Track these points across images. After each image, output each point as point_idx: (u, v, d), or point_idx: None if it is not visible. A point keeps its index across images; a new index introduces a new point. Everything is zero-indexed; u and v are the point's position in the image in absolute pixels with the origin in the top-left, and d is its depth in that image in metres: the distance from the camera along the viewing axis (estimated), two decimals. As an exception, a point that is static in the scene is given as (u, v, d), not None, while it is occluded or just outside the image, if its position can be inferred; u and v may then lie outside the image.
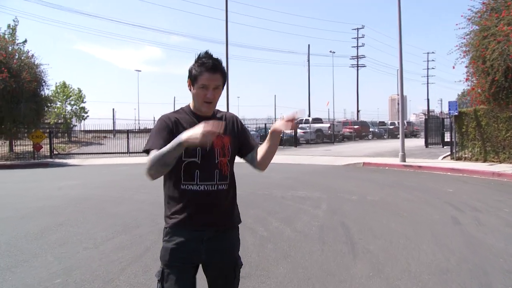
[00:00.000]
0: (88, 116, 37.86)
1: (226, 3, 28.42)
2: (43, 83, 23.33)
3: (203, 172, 2.24)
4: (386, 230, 6.45)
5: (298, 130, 32.09)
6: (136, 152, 24.92)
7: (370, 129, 47.89)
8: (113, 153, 26.56)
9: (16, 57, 22.53)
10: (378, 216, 7.47)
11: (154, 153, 2.08)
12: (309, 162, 18.77)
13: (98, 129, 36.30)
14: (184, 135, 1.98)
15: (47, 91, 23.94)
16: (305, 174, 14.14)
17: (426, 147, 26.20)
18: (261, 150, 2.43)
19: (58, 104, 35.49)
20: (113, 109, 51.85)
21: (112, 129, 43.34)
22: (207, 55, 2.28)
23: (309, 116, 44.15)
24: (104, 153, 26.36)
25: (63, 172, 17.52)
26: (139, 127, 51.47)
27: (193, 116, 2.32)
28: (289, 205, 8.57)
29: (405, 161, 16.89)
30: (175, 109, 2.45)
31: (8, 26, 26.43)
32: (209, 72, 2.23)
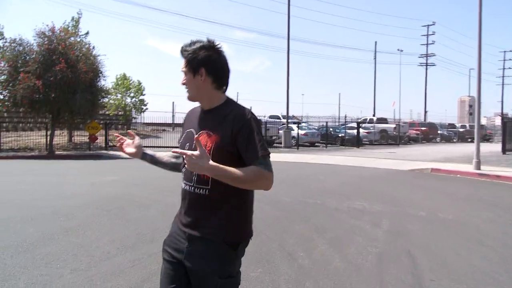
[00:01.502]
0: (147, 108, 37.74)
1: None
2: (100, 74, 23.01)
3: (185, 171, 2.17)
4: (466, 268, 4.86)
5: (361, 130, 30.08)
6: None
7: (439, 132, 44.57)
8: (169, 146, 25.88)
9: (77, 48, 22.39)
10: (453, 243, 5.86)
11: None
12: (371, 165, 17.02)
13: (158, 122, 36.17)
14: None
15: (103, 82, 23.52)
16: (365, 180, 12.50)
17: (503, 153, 23.29)
18: None
19: (118, 96, 35.58)
20: (173, 103, 51.99)
21: (171, 122, 43.26)
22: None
23: (373, 115, 41.88)
24: (159, 146, 25.72)
25: (110, 165, 16.93)
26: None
27: (200, 108, 2.27)
28: (343, 220, 7.11)
29: (479, 169, 14.71)
30: None
31: (72, 18, 26.55)
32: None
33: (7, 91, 21.20)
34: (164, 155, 2.48)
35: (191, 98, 2.22)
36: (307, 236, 6.01)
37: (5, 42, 22.80)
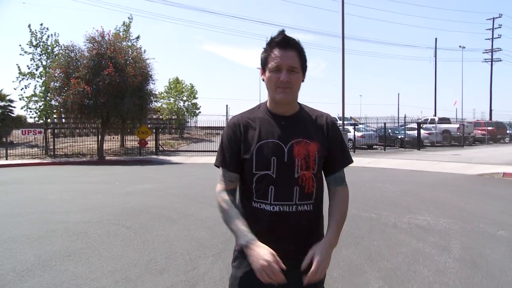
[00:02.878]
0: (200, 112, 37.29)
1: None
2: (149, 78, 22.63)
3: (279, 189, 1.87)
4: None
5: (422, 131, 27.98)
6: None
7: (508, 132, 40.96)
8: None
9: (129, 52, 22.16)
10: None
11: (223, 200, 1.94)
12: (433, 169, 15.34)
13: (212, 125, 35.68)
14: (246, 244, 1.79)
15: (152, 86, 23.12)
16: (428, 187, 10.99)
17: None
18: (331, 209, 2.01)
19: (171, 100, 35.39)
20: (227, 106, 51.42)
21: (225, 125, 42.70)
22: (279, 32, 1.94)
23: (434, 115, 39.37)
24: (210, 151, 25.04)
25: (155, 171, 16.28)
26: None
27: (268, 113, 1.99)
28: (403, 241, 5.84)
29: None
30: (259, 106, 2.08)
31: (123, 23, 26.43)
32: (280, 48, 1.89)
33: (59, 97, 21.25)
34: (244, 229, 1.87)
35: (289, 101, 1.97)
36: (357, 266, 4.83)
37: (60, 49, 22.98)
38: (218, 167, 2.00)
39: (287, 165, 1.87)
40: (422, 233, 6.22)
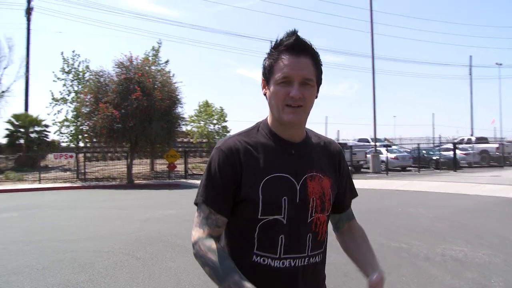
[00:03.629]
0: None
1: (371, 12, 25.29)
2: (177, 101, 22.64)
3: (290, 238, 1.47)
4: None
5: (458, 152, 26.85)
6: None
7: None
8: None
9: (158, 77, 22.30)
10: None
11: (210, 250, 1.42)
12: (471, 191, 14.46)
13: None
14: None
15: (180, 110, 23.12)
16: (465, 212, 10.25)
17: None
18: (354, 247, 1.68)
19: (202, 123, 35.44)
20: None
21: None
22: (290, 32, 1.49)
23: (471, 135, 37.98)
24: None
25: (180, 195, 16.04)
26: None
27: (272, 138, 1.55)
28: (435, 278, 5.24)
29: None
30: (257, 126, 1.62)
31: (152, 48, 26.77)
32: (290, 54, 1.45)
33: (89, 122, 21.49)
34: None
35: (301, 123, 1.55)
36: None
37: (90, 75, 23.37)
38: (198, 205, 1.52)
39: (299, 207, 1.48)
40: (458, 267, 5.61)
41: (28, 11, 34.30)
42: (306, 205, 1.48)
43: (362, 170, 25.78)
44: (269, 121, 1.58)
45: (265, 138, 1.55)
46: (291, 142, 1.55)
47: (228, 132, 36.98)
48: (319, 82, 1.52)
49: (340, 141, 31.95)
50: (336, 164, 1.65)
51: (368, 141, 30.65)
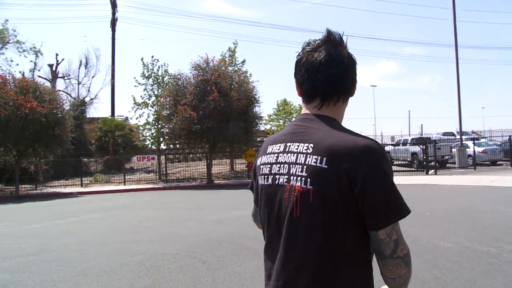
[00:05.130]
0: (309, 133, 36.73)
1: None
2: (254, 101, 22.63)
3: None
4: None
5: None
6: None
7: None
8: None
9: (234, 77, 22.46)
10: None
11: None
12: None
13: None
14: None
15: (257, 109, 23.11)
16: None
17: None
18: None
19: (281, 122, 35.30)
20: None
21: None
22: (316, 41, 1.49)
23: None
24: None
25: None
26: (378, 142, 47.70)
27: None
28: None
29: None
30: None
31: (229, 49, 27.02)
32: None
33: (169, 124, 22.08)
34: None
35: None
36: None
37: (169, 78, 24.01)
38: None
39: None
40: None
41: (113, 22, 36.11)
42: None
43: (448, 165, 24.27)
44: None
45: None
46: None
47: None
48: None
49: (424, 135, 30.39)
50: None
51: (453, 135, 28.79)
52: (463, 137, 25.16)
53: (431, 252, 6.07)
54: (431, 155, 21.91)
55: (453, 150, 24.54)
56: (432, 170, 20.94)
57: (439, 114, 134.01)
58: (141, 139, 27.14)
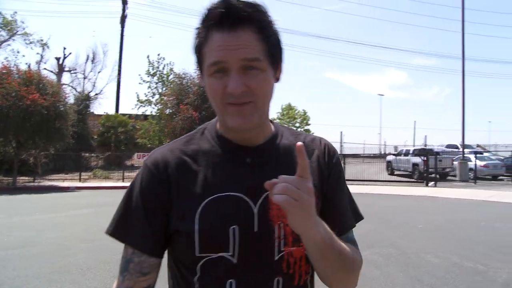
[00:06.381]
0: (313, 138, 36.81)
1: (462, 10, 23.57)
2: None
3: (247, 284, 1.04)
4: None
5: None
6: (358, 180, 21.82)
7: None
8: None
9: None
10: None
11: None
12: None
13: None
14: None
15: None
16: None
17: None
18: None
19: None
20: (341, 132, 50.11)
21: (339, 153, 41.69)
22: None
23: None
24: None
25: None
26: (380, 151, 46.93)
27: (220, 142, 1.12)
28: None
29: None
30: (202, 129, 1.20)
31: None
32: (221, 29, 0.99)
33: (171, 122, 22.07)
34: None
35: (253, 125, 1.05)
36: None
37: (174, 77, 24.02)
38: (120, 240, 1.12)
39: (259, 239, 1.05)
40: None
41: (123, 19, 36.23)
42: (269, 235, 1.05)
43: (449, 178, 24.07)
44: (217, 121, 1.16)
45: (210, 143, 1.13)
46: (246, 146, 1.10)
47: (311, 135, 36.56)
48: (275, 59, 1.06)
49: (426, 147, 30.17)
50: (322, 170, 1.16)
51: (457, 147, 28.62)
52: (466, 150, 24.94)
53: (418, 266, 5.94)
54: (432, 167, 21.71)
55: (454, 163, 24.34)
56: (432, 182, 20.74)
57: (445, 126, 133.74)
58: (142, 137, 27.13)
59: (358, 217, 1.22)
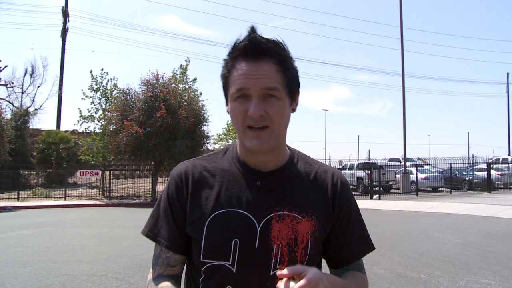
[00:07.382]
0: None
1: (401, 29, 24.71)
2: (202, 120, 22.46)
3: None
4: None
5: (493, 172, 25.44)
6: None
7: None
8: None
9: (184, 95, 22.21)
10: None
11: (151, 285, 1.22)
12: (504, 215, 13.51)
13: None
14: None
15: (206, 128, 22.96)
16: (496, 238, 9.43)
17: None
18: None
19: (230, 142, 35.17)
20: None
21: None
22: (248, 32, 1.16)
23: (509, 154, 36.37)
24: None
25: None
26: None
27: (238, 164, 1.28)
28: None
29: None
30: (225, 150, 1.38)
31: (180, 66, 26.75)
32: (246, 60, 1.15)
33: (115, 138, 21.52)
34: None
35: (268, 149, 1.19)
36: None
37: (118, 93, 23.50)
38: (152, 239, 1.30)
39: (258, 255, 1.17)
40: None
41: (64, 32, 35.26)
42: (268, 253, 1.17)
43: (392, 190, 24.89)
44: (238, 146, 1.31)
45: (229, 163, 1.29)
46: (259, 171, 1.25)
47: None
48: (292, 90, 1.20)
49: (370, 161, 31.09)
50: (330, 200, 1.27)
51: (399, 161, 29.68)
52: (408, 163, 25.91)
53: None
54: (376, 180, 22.38)
55: (397, 176, 25.21)
56: (376, 195, 21.37)
57: (388, 140, 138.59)
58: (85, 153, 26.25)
59: (368, 248, 1.36)
